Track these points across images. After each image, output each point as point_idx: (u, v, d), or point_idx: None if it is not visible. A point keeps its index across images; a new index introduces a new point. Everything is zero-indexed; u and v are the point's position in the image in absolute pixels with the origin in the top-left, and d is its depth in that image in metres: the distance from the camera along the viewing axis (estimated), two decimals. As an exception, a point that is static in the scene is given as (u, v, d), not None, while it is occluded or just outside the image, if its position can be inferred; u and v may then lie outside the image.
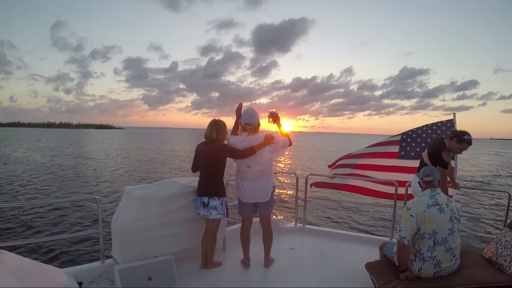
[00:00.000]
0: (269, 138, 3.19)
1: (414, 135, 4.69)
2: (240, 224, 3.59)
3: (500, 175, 24.12)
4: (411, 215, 2.47)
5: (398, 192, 4.12)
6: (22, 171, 18.45)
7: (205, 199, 3.24)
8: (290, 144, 3.44)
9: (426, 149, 3.69)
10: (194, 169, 3.44)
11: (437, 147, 3.54)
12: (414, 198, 2.66)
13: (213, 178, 3.26)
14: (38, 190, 13.54)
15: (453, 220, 2.51)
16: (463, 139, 3.44)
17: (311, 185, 5.23)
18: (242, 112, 3.39)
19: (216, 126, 3.25)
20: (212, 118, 3.35)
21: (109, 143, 54.48)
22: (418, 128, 4.78)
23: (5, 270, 1.88)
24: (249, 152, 3.15)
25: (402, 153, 4.65)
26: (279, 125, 3.46)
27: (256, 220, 3.66)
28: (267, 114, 3.44)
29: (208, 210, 3.23)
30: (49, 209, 9.81)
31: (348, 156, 5.27)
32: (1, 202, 11.40)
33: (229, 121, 3.58)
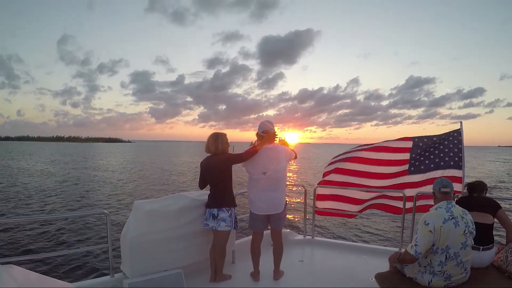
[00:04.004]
0: (271, 136, 3.33)
1: (420, 150, 4.58)
2: (249, 237, 3.58)
3: (507, 182, 23.74)
4: (430, 231, 2.40)
5: (406, 206, 4.08)
6: (34, 185, 18.62)
7: (215, 211, 3.26)
8: (296, 157, 3.52)
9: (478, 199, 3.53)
10: (202, 185, 3.45)
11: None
12: (431, 211, 2.53)
13: (222, 190, 3.28)
14: (48, 203, 13.65)
15: (466, 234, 2.44)
16: None
17: (316, 212, 4.93)
18: (258, 125, 3.46)
19: (214, 139, 3.31)
20: (215, 131, 3.41)
21: (121, 156, 55.03)
22: (426, 138, 4.64)
23: (14, 285, 1.90)
24: (251, 151, 3.23)
25: (412, 168, 4.59)
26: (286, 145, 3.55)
27: (265, 232, 3.66)
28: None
29: (217, 222, 3.25)
30: (58, 223, 9.87)
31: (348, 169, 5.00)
32: (10, 217, 11.45)
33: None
